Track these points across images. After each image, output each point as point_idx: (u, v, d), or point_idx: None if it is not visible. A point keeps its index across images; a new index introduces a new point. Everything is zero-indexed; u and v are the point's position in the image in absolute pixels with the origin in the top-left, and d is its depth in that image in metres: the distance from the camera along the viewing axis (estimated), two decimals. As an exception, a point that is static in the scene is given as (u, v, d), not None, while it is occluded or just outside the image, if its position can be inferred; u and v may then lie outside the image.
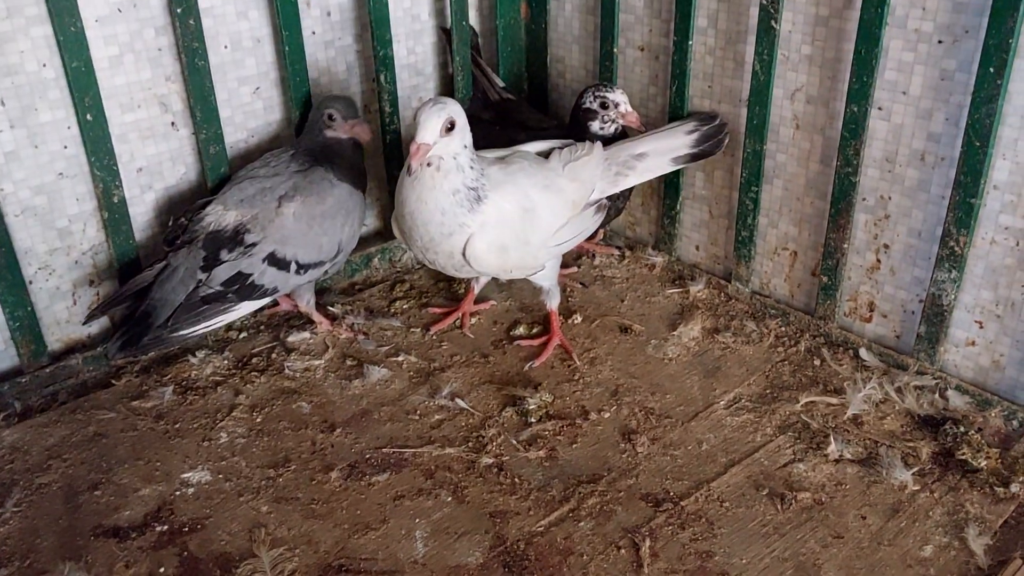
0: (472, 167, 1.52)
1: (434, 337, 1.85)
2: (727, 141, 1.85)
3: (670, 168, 1.83)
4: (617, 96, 1.85)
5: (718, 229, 2.00)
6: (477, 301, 1.94)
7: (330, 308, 1.91)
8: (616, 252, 2.15)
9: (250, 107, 1.86)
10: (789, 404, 1.63)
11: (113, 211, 1.67)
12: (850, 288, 1.78)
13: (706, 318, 1.89)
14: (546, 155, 1.73)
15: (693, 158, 1.83)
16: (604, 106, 1.85)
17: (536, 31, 2.19)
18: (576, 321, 1.90)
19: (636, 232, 2.20)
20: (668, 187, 2.03)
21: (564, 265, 2.09)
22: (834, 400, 1.63)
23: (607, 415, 1.62)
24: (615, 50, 2.00)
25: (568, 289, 2.01)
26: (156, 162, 1.76)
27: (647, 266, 2.10)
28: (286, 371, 1.73)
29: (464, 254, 1.56)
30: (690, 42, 1.85)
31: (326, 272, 1.78)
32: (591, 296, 2.00)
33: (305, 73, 1.86)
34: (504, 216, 1.57)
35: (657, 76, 1.99)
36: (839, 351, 1.77)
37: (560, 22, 2.16)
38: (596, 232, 2.21)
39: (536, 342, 1.82)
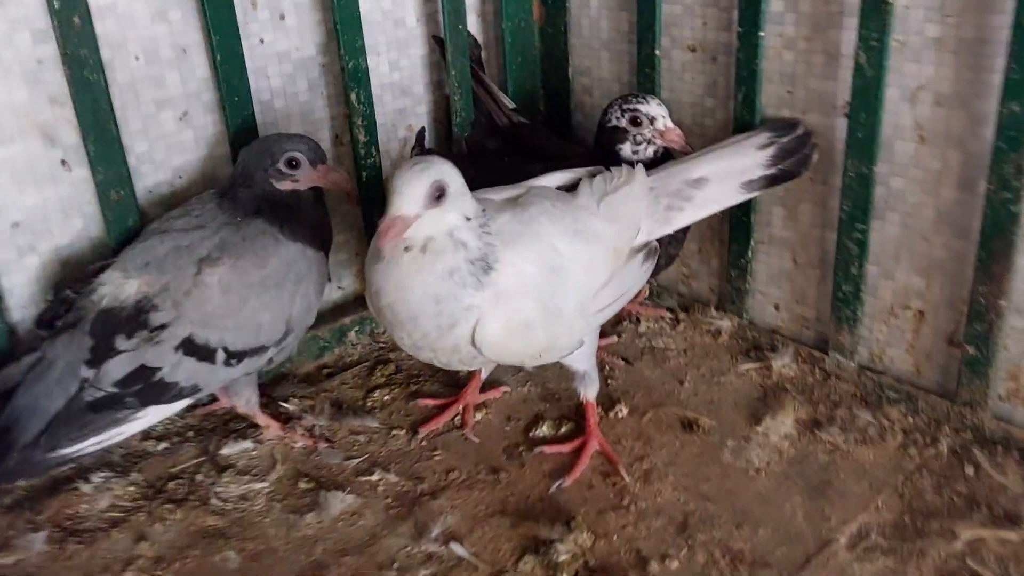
0: (481, 235, 1.08)
1: (423, 443, 1.35)
2: (815, 157, 1.35)
3: (739, 197, 1.34)
4: (652, 108, 1.37)
5: (806, 282, 1.49)
6: (484, 387, 1.44)
7: (283, 405, 1.41)
8: (667, 314, 1.65)
9: (175, 138, 1.40)
10: (944, 541, 1.11)
11: (-34, 284, 1.20)
12: (1009, 362, 1.26)
13: (800, 406, 1.38)
14: (571, 189, 1.25)
15: (770, 182, 1.33)
16: (636, 122, 1.38)
17: (554, 36, 1.72)
18: (621, 414, 1.38)
19: (692, 287, 1.69)
20: (735, 227, 1.53)
21: (600, 334, 1.58)
22: (1012, 535, 1.10)
23: (675, 564, 1.10)
24: (657, 53, 1.52)
25: (606, 367, 1.51)
26: (40, 215, 1.29)
27: (710, 333, 1.59)
28: (212, 501, 1.23)
29: (474, 342, 1.08)
30: (761, 33, 1.36)
31: (270, 361, 1.29)
32: (638, 377, 1.49)
33: (247, 91, 1.40)
34: (525, 282, 1.10)
35: (715, 83, 1.51)
36: (999, 452, 1.25)
37: (584, 23, 1.69)
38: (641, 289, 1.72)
39: (566, 448, 1.31)
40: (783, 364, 1.47)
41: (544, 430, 1.36)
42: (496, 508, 1.21)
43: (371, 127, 1.52)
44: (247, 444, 1.33)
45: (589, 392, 1.31)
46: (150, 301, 1.18)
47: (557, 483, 1.24)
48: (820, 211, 1.43)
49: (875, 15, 1.21)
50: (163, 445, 1.35)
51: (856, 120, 1.28)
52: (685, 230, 1.46)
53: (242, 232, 1.23)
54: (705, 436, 1.33)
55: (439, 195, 1.03)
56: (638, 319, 1.64)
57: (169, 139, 1.39)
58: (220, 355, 1.21)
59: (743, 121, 1.43)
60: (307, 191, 1.30)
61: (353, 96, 1.48)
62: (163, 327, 1.18)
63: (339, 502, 1.21)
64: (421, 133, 1.70)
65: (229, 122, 1.39)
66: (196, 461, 1.31)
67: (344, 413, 1.41)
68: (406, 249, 1.05)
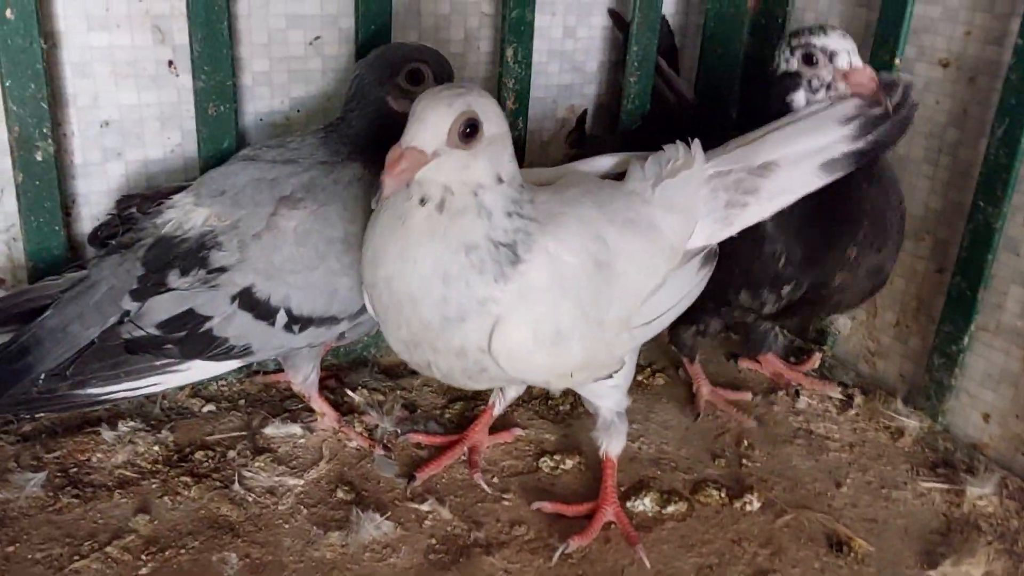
0: (512, 214, 0.84)
1: (419, 488, 1.07)
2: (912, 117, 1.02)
3: (818, 182, 1.01)
4: (832, 40, 1.04)
5: (1038, 394, 1.11)
6: (495, 428, 1.16)
7: (350, 393, 1.20)
8: (838, 392, 1.31)
9: (301, 64, 1.22)
10: None
11: (32, 175, 1.06)
12: None
13: (996, 555, 1.03)
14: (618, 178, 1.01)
15: (858, 158, 1.00)
16: (810, 60, 1.05)
17: (767, 30, 1.42)
18: (750, 507, 1.07)
19: (877, 369, 1.34)
20: (952, 302, 1.17)
21: (731, 385, 1.28)
22: None
23: None
24: (896, 62, 1.19)
25: (740, 439, 1.19)
26: (135, 118, 1.15)
27: (889, 431, 1.24)
28: (235, 487, 1.03)
29: (490, 350, 0.83)
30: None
31: (342, 336, 1.08)
32: (784, 464, 1.16)
33: (387, 20, 1.20)
34: (564, 276, 0.86)
35: (966, 113, 1.16)
36: None
37: (808, 18, 1.37)
38: (809, 355, 1.39)
39: (570, 510, 1.04)
40: (981, 493, 1.11)
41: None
42: (563, 586, 0.94)
43: (524, 93, 1.28)
44: (295, 429, 1.13)
45: (613, 446, 1.04)
46: (215, 237, 1.00)
47: (562, 547, 0.97)
48: (1082, 304, 1.05)
49: None
50: (209, 407, 1.17)
51: None
52: (845, 246, 1.09)
53: (335, 174, 1.03)
54: (858, 565, 1.00)
55: (469, 132, 0.79)
56: (798, 392, 1.31)
57: (294, 63, 1.22)
58: (281, 316, 1.01)
59: (997, 165, 1.08)
60: None
61: (510, 52, 1.24)
62: (222, 270, 0.99)
63: (373, 527, 0.98)
64: (583, 116, 1.45)
65: (361, 54, 1.19)
66: (235, 434, 1.12)
67: (415, 420, 1.18)
68: (421, 201, 0.81)
